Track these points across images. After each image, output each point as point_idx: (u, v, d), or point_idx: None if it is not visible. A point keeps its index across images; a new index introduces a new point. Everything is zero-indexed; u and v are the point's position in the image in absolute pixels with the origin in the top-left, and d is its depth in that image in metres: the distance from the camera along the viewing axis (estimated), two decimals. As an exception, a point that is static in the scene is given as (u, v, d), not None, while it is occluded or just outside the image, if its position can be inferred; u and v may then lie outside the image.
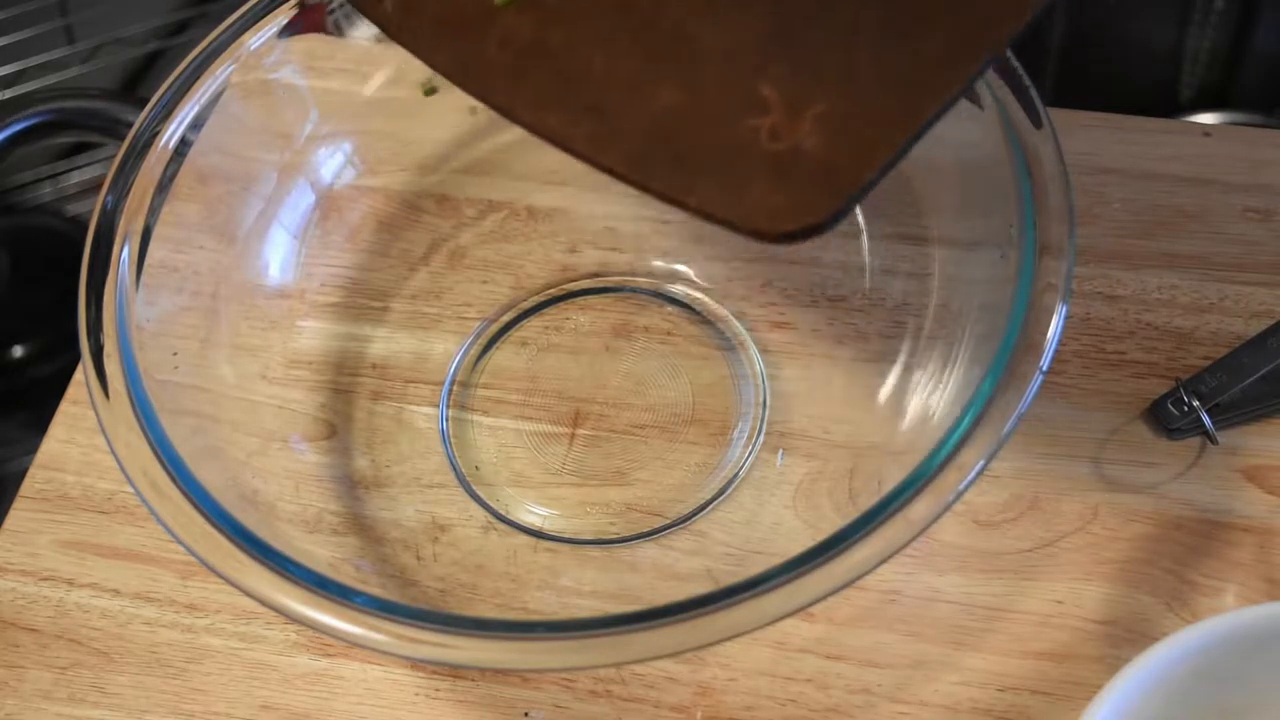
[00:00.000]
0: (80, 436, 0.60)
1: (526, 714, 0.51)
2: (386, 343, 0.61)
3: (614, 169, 0.41)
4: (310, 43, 0.61)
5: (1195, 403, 0.54)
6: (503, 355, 0.61)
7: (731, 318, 0.60)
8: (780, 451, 0.56)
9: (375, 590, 0.45)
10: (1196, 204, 0.62)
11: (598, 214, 0.63)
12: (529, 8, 0.44)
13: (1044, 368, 0.45)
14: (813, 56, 0.41)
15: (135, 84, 1.01)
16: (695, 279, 0.61)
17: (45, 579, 0.56)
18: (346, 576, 0.46)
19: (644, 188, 0.41)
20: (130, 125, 0.55)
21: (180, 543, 0.45)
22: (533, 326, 0.61)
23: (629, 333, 0.61)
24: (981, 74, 0.40)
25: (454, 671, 0.52)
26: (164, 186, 0.54)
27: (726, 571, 0.52)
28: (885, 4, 0.41)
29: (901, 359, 0.55)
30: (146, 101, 0.56)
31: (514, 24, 0.44)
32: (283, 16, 0.58)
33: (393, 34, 0.46)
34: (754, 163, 0.40)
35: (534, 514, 0.55)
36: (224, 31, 0.57)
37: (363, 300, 0.62)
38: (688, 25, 0.42)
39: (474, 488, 0.56)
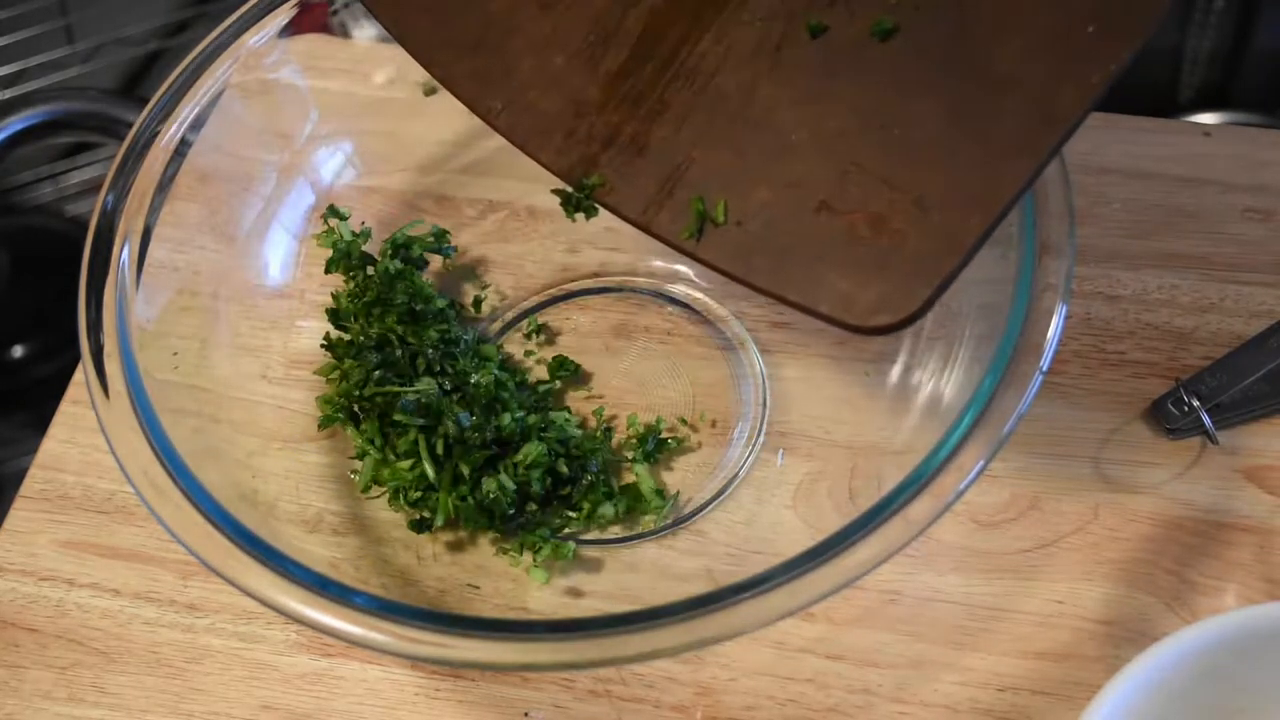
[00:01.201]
0: (80, 436, 0.60)
1: (526, 714, 0.51)
2: (386, 343, 0.61)
3: (718, 266, 0.43)
4: (310, 43, 0.61)
5: (1195, 403, 0.54)
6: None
7: (731, 318, 0.60)
8: (780, 451, 0.56)
9: (375, 590, 0.45)
10: (1196, 204, 0.62)
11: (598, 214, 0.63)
12: (627, 102, 0.46)
13: (1044, 368, 0.46)
14: (896, 151, 0.42)
15: (135, 84, 1.01)
16: (695, 279, 0.61)
17: (45, 579, 0.56)
18: (346, 576, 0.46)
19: (747, 283, 0.43)
20: (130, 125, 0.55)
21: (180, 543, 0.45)
22: (533, 326, 0.61)
23: (629, 333, 0.61)
24: (1055, 154, 0.41)
25: (454, 671, 0.52)
26: (164, 186, 0.54)
27: (726, 571, 0.52)
28: (958, 94, 0.42)
29: (901, 359, 0.55)
30: (146, 101, 0.56)
31: (614, 120, 0.46)
32: (283, 16, 0.58)
33: (500, 130, 0.48)
34: (847, 256, 0.41)
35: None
36: (224, 31, 0.57)
37: (363, 300, 0.62)
38: (776, 119, 0.44)
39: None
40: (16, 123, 0.76)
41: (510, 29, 0.48)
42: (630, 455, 0.56)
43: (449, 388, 0.55)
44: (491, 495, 0.52)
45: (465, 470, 0.53)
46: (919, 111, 0.42)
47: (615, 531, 0.55)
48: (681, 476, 0.56)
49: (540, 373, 0.60)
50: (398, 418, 0.54)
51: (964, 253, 0.40)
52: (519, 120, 0.47)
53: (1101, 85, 0.41)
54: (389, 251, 0.60)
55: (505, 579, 0.53)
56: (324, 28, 0.60)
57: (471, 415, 0.54)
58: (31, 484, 0.59)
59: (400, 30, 0.50)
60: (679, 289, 0.61)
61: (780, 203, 0.43)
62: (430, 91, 0.63)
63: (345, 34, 0.63)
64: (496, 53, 0.48)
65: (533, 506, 0.54)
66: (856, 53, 0.44)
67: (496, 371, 0.57)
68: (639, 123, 0.46)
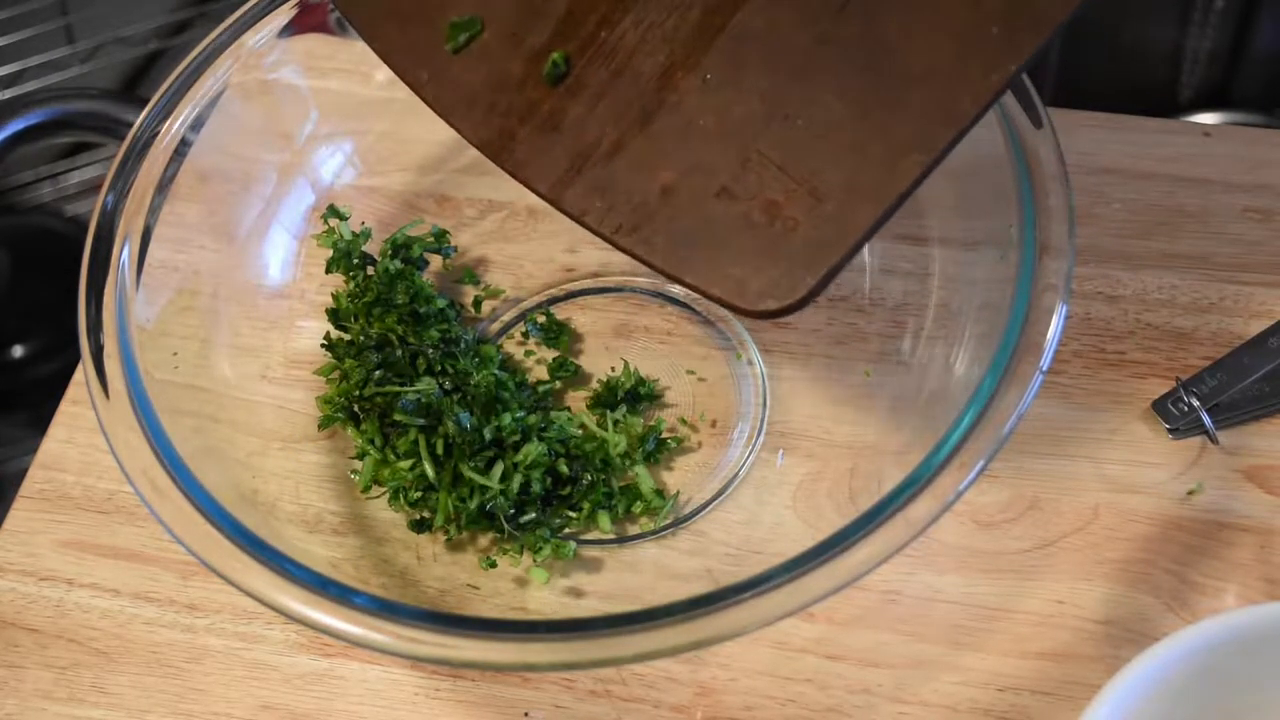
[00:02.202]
0: (80, 436, 0.60)
1: (526, 714, 0.51)
2: (386, 343, 0.61)
3: (620, 244, 0.44)
4: (310, 43, 0.61)
5: (1195, 403, 0.54)
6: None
7: (731, 318, 0.60)
8: (780, 451, 0.56)
9: (375, 590, 0.45)
10: (1196, 204, 0.62)
11: (598, 214, 0.63)
12: (546, 80, 0.47)
13: (1044, 368, 0.46)
14: (798, 141, 0.43)
15: (135, 84, 1.01)
16: (695, 279, 0.61)
17: (45, 579, 0.56)
18: (346, 576, 0.46)
19: (647, 263, 0.44)
20: (130, 125, 0.55)
21: (180, 543, 0.45)
22: (532, 326, 0.61)
23: (629, 333, 0.61)
24: (949, 150, 0.42)
25: (454, 671, 0.52)
26: (164, 186, 0.54)
27: (726, 571, 0.52)
28: (865, 89, 0.43)
29: (901, 359, 0.55)
30: (146, 101, 0.56)
31: (533, 96, 0.47)
32: (283, 16, 0.58)
33: (427, 101, 0.49)
34: (742, 242, 0.43)
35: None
36: (224, 31, 0.57)
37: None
38: (686, 103, 0.45)
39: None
40: (16, 123, 0.76)
41: (444, 3, 0.49)
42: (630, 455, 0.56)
43: (449, 388, 0.55)
44: (492, 495, 0.52)
45: (465, 470, 0.53)
46: (825, 104, 0.43)
47: (615, 531, 0.55)
48: (681, 476, 0.56)
49: (540, 373, 0.60)
50: (398, 418, 0.54)
51: (852, 243, 0.41)
52: (444, 92, 0.48)
53: (1000, 84, 0.41)
54: (389, 251, 0.60)
55: (505, 579, 0.53)
56: (324, 28, 0.60)
57: (471, 415, 0.54)
58: (31, 484, 0.59)
59: (346, 5, 0.51)
60: (679, 289, 0.61)
61: (683, 186, 0.44)
62: (430, 91, 0.63)
63: (345, 35, 0.63)
64: (429, 25, 0.49)
65: (533, 507, 0.53)
66: (769, 43, 0.45)
67: (496, 371, 0.57)
68: (555, 100, 0.47)
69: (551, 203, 0.46)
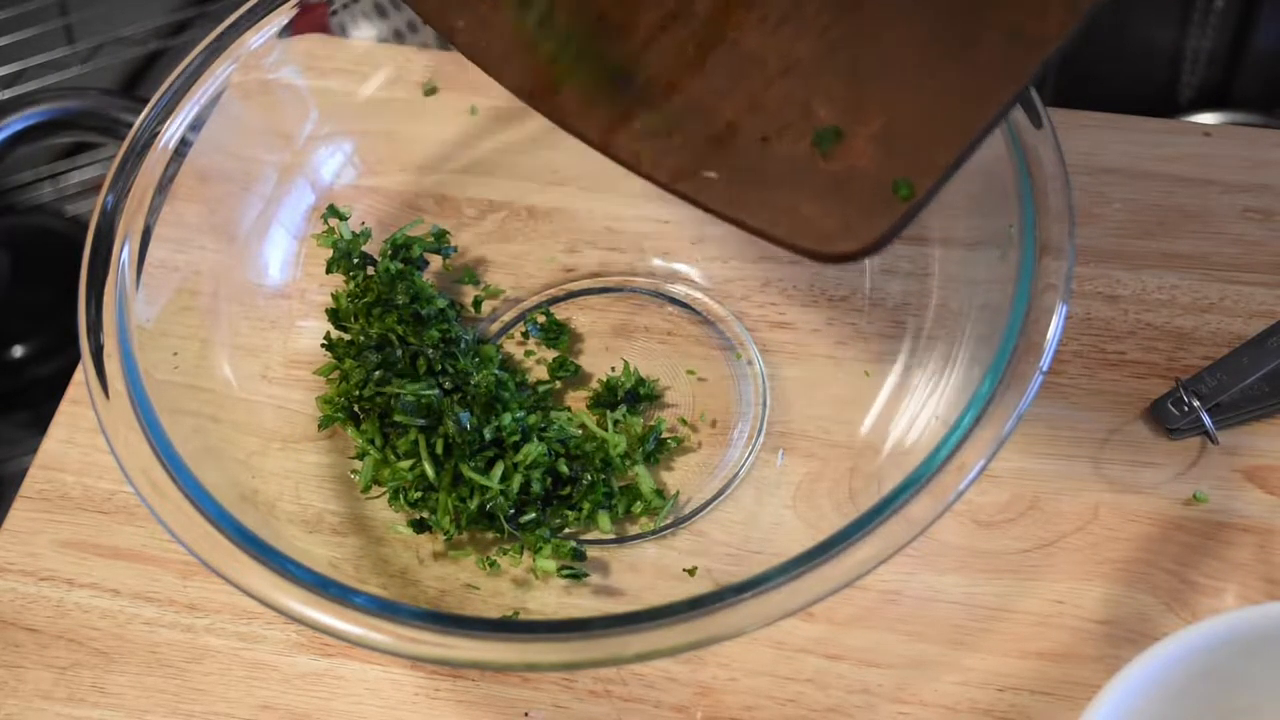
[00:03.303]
0: (80, 436, 0.60)
1: (526, 714, 0.51)
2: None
3: (672, 186, 0.42)
4: (310, 43, 0.61)
5: (1195, 403, 0.54)
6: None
7: (731, 318, 0.60)
8: (780, 451, 0.56)
9: (375, 590, 0.45)
10: (1196, 204, 0.62)
11: (598, 214, 0.63)
12: (591, 21, 0.45)
13: (1044, 368, 0.46)
14: (866, 76, 0.41)
15: (135, 84, 1.01)
16: (695, 279, 0.61)
17: (45, 579, 0.56)
18: (346, 576, 0.46)
19: (701, 205, 0.41)
20: (130, 125, 0.55)
21: (180, 543, 0.45)
22: (532, 325, 0.61)
23: (629, 333, 0.61)
24: (1021, 95, 0.40)
25: (454, 671, 0.52)
26: (164, 186, 0.54)
27: (726, 571, 0.52)
28: (933, 23, 0.41)
29: (901, 359, 0.55)
30: (146, 101, 0.56)
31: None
32: (283, 16, 0.58)
33: (461, 48, 0.46)
34: (810, 182, 0.40)
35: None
36: (224, 31, 0.57)
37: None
38: (745, 40, 0.43)
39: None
40: (16, 123, 0.76)
41: None
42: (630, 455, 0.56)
43: (449, 388, 0.55)
44: (492, 495, 0.52)
45: (465, 470, 0.53)
46: (894, 36, 0.41)
47: (615, 531, 0.55)
48: (681, 476, 0.56)
49: (540, 373, 0.60)
50: (398, 418, 0.54)
51: (933, 181, 0.39)
52: (479, 38, 0.46)
53: (1089, 5, 0.39)
54: (389, 252, 0.60)
55: (505, 579, 0.53)
56: (323, 28, 0.60)
57: (471, 415, 0.54)
58: (31, 484, 0.59)
59: None
60: (679, 289, 0.61)
61: (744, 127, 0.42)
62: (430, 91, 0.63)
63: (345, 35, 0.63)
64: None
65: (533, 507, 0.53)
66: None
67: (497, 371, 0.57)
68: (603, 43, 0.44)
69: (601, 149, 0.44)
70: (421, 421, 0.54)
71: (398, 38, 0.65)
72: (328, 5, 0.59)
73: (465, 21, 0.46)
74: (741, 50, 0.42)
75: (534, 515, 0.53)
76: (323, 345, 0.58)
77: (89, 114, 0.78)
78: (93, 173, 0.96)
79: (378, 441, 0.55)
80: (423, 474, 0.53)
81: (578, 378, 0.60)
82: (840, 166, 0.40)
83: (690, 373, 0.59)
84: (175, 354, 0.53)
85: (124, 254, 0.52)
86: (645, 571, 0.53)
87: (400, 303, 0.57)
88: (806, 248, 0.40)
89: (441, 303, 0.59)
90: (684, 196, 0.42)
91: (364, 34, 0.65)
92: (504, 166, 0.64)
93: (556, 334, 0.60)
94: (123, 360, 0.49)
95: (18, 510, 0.58)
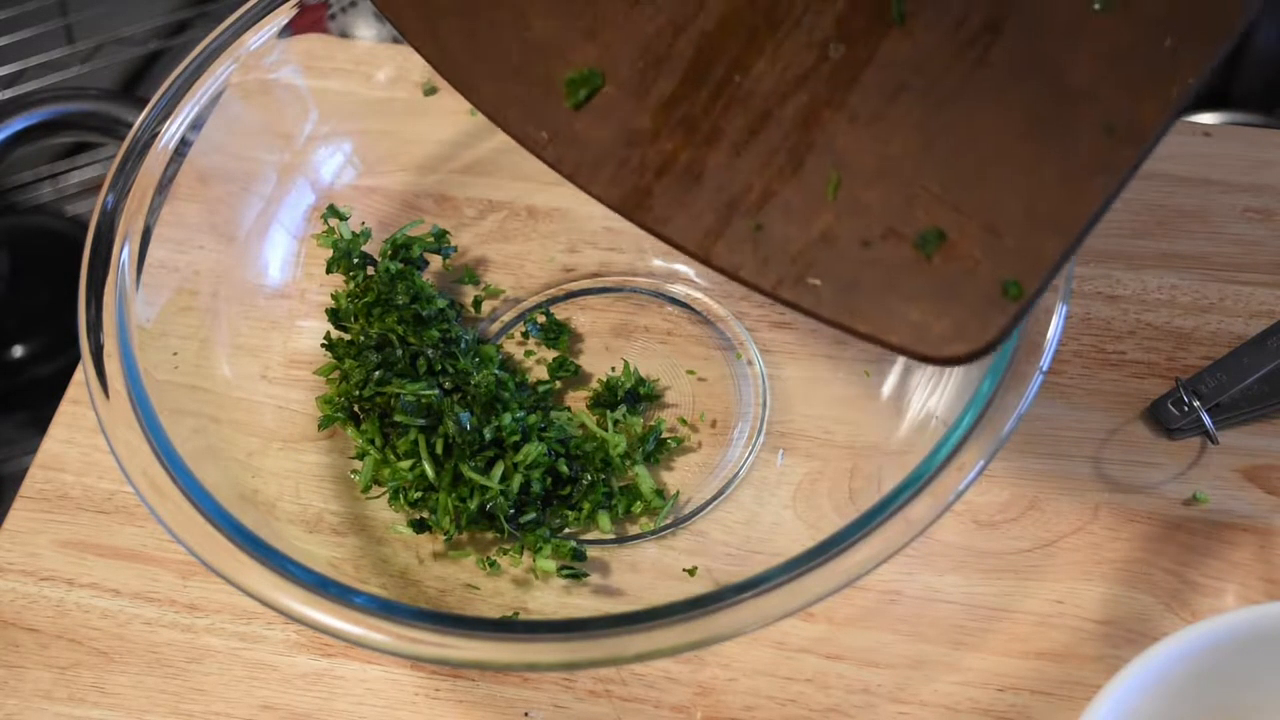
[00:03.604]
0: (80, 436, 0.60)
1: (526, 714, 0.51)
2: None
3: (781, 296, 0.42)
4: (310, 43, 0.61)
5: (1195, 403, 0.54)
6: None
7: (731, 318, 0.60)
8: (780, 451, 0.56)
9: (375, 590, 0.45)
10: (1196, 204, 0.62)
11: (598, 214, 0.63)
12: (680, 130, 0.44)
13: (1044, 368, 0.46)
14: (963, 174, 0.41)
15: (135, 84, 1.01)
16: (695, 279, 0.61)
17: (45, 579, 0.56)
18: (346, 576, 0.46)
19: (813, 314, 0.41)
20: (130, 125, 0.55)
21: (180, 543, 0.45)
22: (532, 325, 0.61)
23: (629, 333, 0.61)
24: (1134, 173, 0.39)
25: (454, 671, 0.52)
26: (164, 186, 0.54)
27: (726, 571, 0.52)
28: (1027, 111, 0.40)
29: (901, 359, 0.55)
30: (146, 101, 0.56)
31: (667, 148, 0.44)
32: (283, 16, 0.58)
33: (549, 162, 0.46)
34: (916, 285, 0.40)
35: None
36: (224, 31, 0.57)
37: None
38: (837, 143, 0.42)
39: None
40: (16, 123, 0.76)
41: (553, 56, 0.46)
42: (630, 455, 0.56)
43: (449, 388, 0.55)
44: (492, 495, 0.52)
45: (465, 470, 0.53)
46: (987, 130, 0.41)
47: (615, 531, 0.55)
48: (681, 476, 0.56)
49: (540, 373, 0.60)
50: (398, 418, 0.54)
51: (1041, 278, 0.39)
52: (568, 151, 0.46)
53: (1181, 96, 0.39)
54: (389, 252, 0.60)
55: (505, 579, 0.53)
56: (323, 28, 0.60)
57: (471, 415, 0.54)
58: (31, 484, 0.59)
59: (440, 60, 0.48)
60: (679, 289, 0.61)
61: (844, 230, 0.41)
62: (430, 91, 0.63)
63: (342, 33, 0.63)
64: (544, 82, 0.46)
65: (533, 507, 0.54)
66: (919, 71, 0.42)
67: (497, 371, 0.57)
68: (694, 150, 0.44)
69: (701, 260, 0.43)
70: (421, 421, 0.54)
71: (397, 39, 0.65)
72: (326, 7, 0.59)
73: (549, 133, 0.46)
74: (834, 152, 0.42)
75: (534, 515, 0.54)
76: (323, 345, 0.58)
77: (89, 114, 0.78)
78: (93, 173, 0.96)
79: (378, 441, 0.55)
80: (423, 474, 0.53)
81: (578, 378, 0.60)
82: (945, 269, 0.40)
83: (690, 373, 0.59)
84: (175, 354, 0.53)
85: (124, 254, 0.52)
86: (645, 571, 0.53)
87: (400, 303, 0.57)
88: (920, 353, 0.40)
89: (441, 303, 0.59)
90: (789, 304, 0.42)
91: (364, 34, 0.65)
92: (504, 166, 0.64)
93: (556, 334, 0.60)
94: (123, 360, 0.49)
95: (18, 510, 0.58)
